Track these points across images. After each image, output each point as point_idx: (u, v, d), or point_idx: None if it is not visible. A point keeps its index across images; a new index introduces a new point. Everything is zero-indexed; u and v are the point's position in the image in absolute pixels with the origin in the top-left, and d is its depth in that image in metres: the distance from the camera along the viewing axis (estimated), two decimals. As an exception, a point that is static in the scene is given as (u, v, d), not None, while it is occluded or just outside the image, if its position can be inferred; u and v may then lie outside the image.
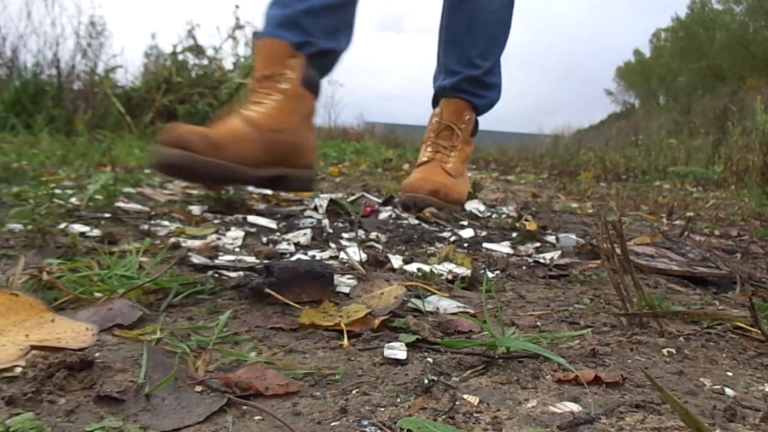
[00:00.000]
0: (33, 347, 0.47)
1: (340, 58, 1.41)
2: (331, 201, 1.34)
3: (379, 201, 1.56)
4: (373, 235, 1.10)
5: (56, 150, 2.45)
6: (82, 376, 0.43)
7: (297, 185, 1.36)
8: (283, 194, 1.53)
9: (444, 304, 0.68)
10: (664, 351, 0.56)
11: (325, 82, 1.43)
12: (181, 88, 4.34)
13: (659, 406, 0.43)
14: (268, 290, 0.64)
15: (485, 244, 1.07)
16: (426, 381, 0.45)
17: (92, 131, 3.59)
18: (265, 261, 0.84)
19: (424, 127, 1.75)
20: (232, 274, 0.76)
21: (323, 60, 1.36)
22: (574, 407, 0.43)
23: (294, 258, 0.90)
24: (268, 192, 1.69)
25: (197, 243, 0.95)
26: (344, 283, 0.75)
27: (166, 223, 1.12)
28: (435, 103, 1.64)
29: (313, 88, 1.36)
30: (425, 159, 1.56)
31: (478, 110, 1.62)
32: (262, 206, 1.39)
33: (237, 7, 4.75)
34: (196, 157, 1.13)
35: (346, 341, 0.54)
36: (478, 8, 1.56)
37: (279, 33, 1.30)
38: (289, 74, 1.31)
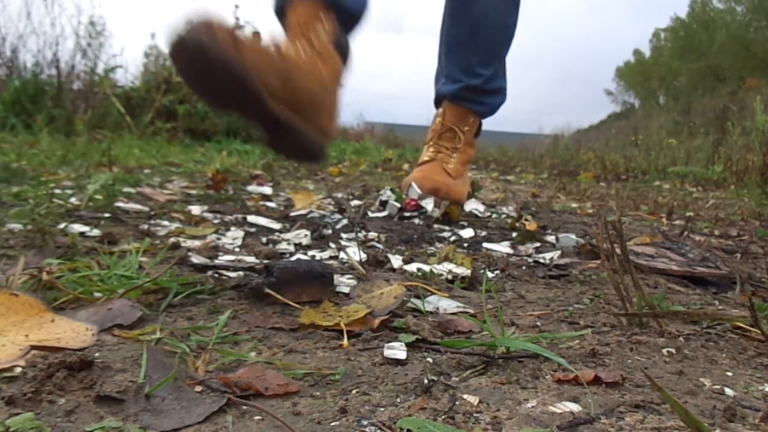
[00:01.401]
0: (33, 347, 0.47)
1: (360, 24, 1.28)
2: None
3: (420, 193, 1.54)
4: (373, 235, 1.10)
5: (56, 150, 2.45)
6: (81, 376, 0.43)
7: (303, 147, 1.10)
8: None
9: (444, 304, 0.68)
10: (664, 351, 0.56)
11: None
12: (180, 88, 4.34)
13: (659, 406, 0.43)
14: (267, 290, 0.64)
15: (485, 244, 1.07)
16: (426, 381, 0.45)
17: (92, 131, 3.59)
18: (265, 261, 0.84)
19: (423, 127, 1.75)
20: (232, 274, 0.76)
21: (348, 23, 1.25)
22: (574, 407, 0.43)
23: (294, 258, 0.90)
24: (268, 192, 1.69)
25: (197, 243, 0.95)
26: (344, 283, 0.75)
27: (165, 223, 1.12)
28: (437, 103, 1.63)
29: (343, 51, 1.23)
30: (426, 158, 1.56)
31: (481, 115, 1.61)
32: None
33: (237, 7, 4.76)
34: (215, 43, 0.96)
35: (346, 341, 0.54)
36: (479, 14, 1.53)
37: None
38: (321, 30, 1.19)
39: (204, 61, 0.92)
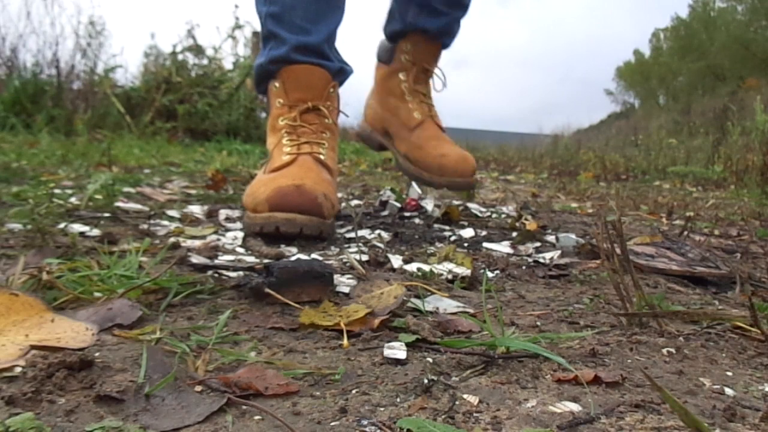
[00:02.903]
0: (33, 347, 0.47)
1: None
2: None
3: (420, 193, 1.49)
4: (373, 234, 1.10)
5: (56, 150, 2.45)
6: (81, 376, 0.43)
7: None
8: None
9: (444, 304, 0.68)
10: (664, 351, 0.56)
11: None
12: (180, 88, 4.34)
13: (659, 405, 0.43)
14: (267, 290, 0.64)
15: (485, 244, 1.07)
16: (426, 381, 0.45)
17: (92, 131, 3.59)
18: (266, 261, 0.84)
19: (443, 87, 1.51)
20: (232, 274, 0.76)
21: None
22: (574, 407, 0.43)
23: (294, 258, 0.90)
24: None
25: (197, 243, 0.95)
26: (344, 283, 0.75)
27: (165, 222, 1.13)
28: (399, 35, 1.37)
29: None
30: (419, 118, 1.35)
31: (446, 48, 1.41)
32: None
33: (237, 7, 4.76)
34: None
35: (345, 341, 0.54)
36: None
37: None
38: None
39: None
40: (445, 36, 1.36)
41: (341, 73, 1.22)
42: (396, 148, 1.42)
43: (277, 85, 1.17)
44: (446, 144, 1.35)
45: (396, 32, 1.37)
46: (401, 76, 1.37)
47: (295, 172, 1.06)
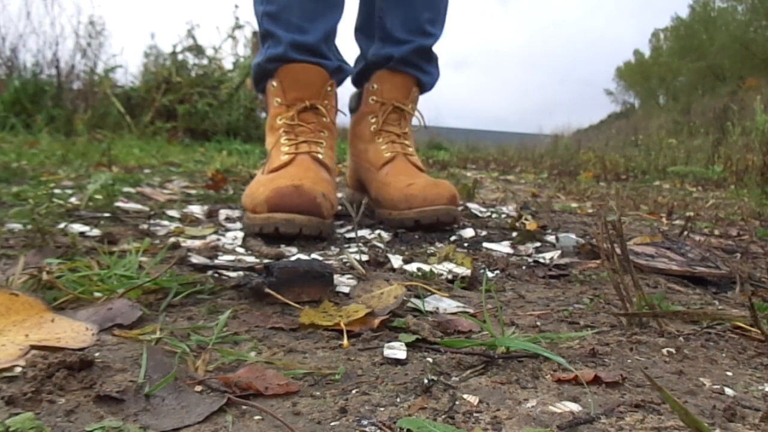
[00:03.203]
0: (33, 347, 0.47)
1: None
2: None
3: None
4: (373, 234, 1.10)
5: (56, 150, 2.45)
6: (81, 376, 0.43)
7: None
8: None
9: (444, 304, 0.68)
10: (664, 351, 0.56)
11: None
12: (180, 88, 4.34)
13: (659, 405, 0.43)
14: (267, 290, 0.64)
15: (485, 244, 1.07)
16: (426, 381, 0.45)
17: (92, 131, 3.59)
18: (266, 261, 0.84)
19: (423, 128, 1.61)
20: (232, 274, 0.76)
21: None
22: (574, 407, 0.43)
23: (294, 258, 0.90)
24: None
25: (197, 243, 0.95)
26: (344, 283, 0.75)
27: (165, 222, 1.13)
28: (363, 77, 1.30)
29: None
30: (388, 156, 1.23)
31: (423, 88, 1.30)
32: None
33: (237, 7, 4.76)
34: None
35: (346, 341, 0.54)
36: None
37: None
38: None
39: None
40: (409, 66, 1.25)
41: (339, 71, 1.20)
42: (368, 195, 1.27)
43: (274, 84, 1.17)
44: (418, 176, 1.20)
45: (360, 72, 1.31)
46: (370, 118, 1.27)
47: (293, 173, 1.06)
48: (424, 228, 1.12)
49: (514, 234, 1.17)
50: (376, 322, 0.58)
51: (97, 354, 0.48)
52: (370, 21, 1.30)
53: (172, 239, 0.95)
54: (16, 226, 0.95)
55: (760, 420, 0.42)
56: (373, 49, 1.28)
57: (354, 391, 0.44)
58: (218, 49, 4.68)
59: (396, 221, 1.15)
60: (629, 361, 0.53)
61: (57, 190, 1.34)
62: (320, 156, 1.12)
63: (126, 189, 1.51)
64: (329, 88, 1.18)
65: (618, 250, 0.66)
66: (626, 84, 23.39)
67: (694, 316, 0.64)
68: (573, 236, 1.10)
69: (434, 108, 6.48)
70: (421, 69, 1.27)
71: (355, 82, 1.34)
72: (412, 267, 0.85)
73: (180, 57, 4.51)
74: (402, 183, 1.17)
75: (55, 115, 3.84)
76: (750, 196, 2.59)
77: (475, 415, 0.41)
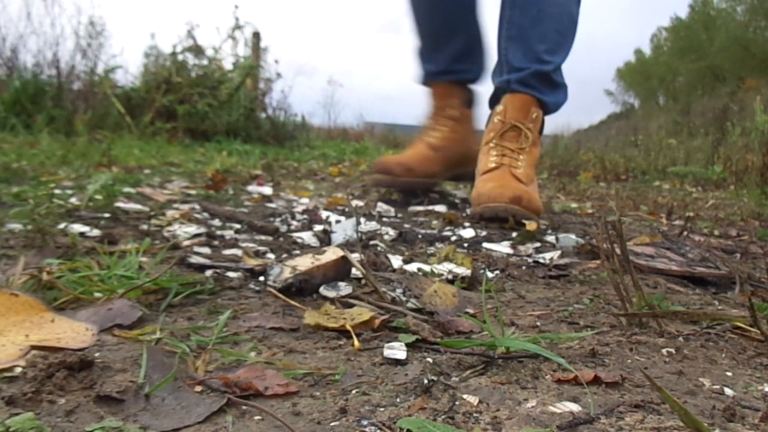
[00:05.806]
0: (33, 347, 0.47)
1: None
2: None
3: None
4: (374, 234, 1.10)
5: (56, 150, 2.45)
6: (82, 376, 0.43)
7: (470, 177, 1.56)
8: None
9: (444, 304, 0.68)
10: (664, 351, 0.56)
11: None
12: (180, 88, 4.34)
13: (659, 406, 0.43)
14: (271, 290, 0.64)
15: (485, 244, 1.07)
16: (426, 381, 0.45)
17: (92, 131, 3.59)
18: (266, 261, 0.84)
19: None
20: (232, 274, 0.76)
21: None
22: (574, 407, 0.43)
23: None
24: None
25: (196, 241, 0.95)
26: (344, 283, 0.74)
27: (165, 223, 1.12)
28: (495, 100, 1.52)
29: (471, 104, 1.71)
30: (492, 165, 1.39)
31: (546, 108, 1.48)
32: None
33: (236, 7, 4.76)
34: (396, 179, 1.62)
35: (356, 342, 0.54)
36: (544, 1, 1.45)
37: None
38: (453, 102, 1.69)
39: (396, 188, 1.69)
40: (527, 87, 1.44)
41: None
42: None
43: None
44: (505, 182, 1.34)
45: (491, 98, 1.57)
46: (490, 134, 1.47)
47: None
48: (487, 220, 1.30)
49: (514, 234, 1.17)
50: (376, 322, 0.58)
51: (97, 354, 0.48)
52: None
53: (167, 231, 0.94)
54: (17, 227, 0.95)
55: (760, 420, 0.42)
56: (499, 77, 1.52)
57: (354, 392, 0.44)
58: (218, 49, 4.68)
59: (471, 215, 1.38)
60: (629, 361, 0.53)
61: (57, 191, 1.34)
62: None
63: (126, 189, 1.51)
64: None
65: (618, 251, 0.66)
66: (626, 84, 23.38)
67: (694, 316, 0.64)
68: (573, 236, 1.10)
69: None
70: (539, 90, 1.45)
71: (490, 103, 1.59)
72: (412, 267, 0.85)
73: (180, 57, 4.51)
74: (483, 186, 1.36)
75: (56, 115, 3.84)
76: (749, 196, 2.59)
77: (475, 415, 0.41)
